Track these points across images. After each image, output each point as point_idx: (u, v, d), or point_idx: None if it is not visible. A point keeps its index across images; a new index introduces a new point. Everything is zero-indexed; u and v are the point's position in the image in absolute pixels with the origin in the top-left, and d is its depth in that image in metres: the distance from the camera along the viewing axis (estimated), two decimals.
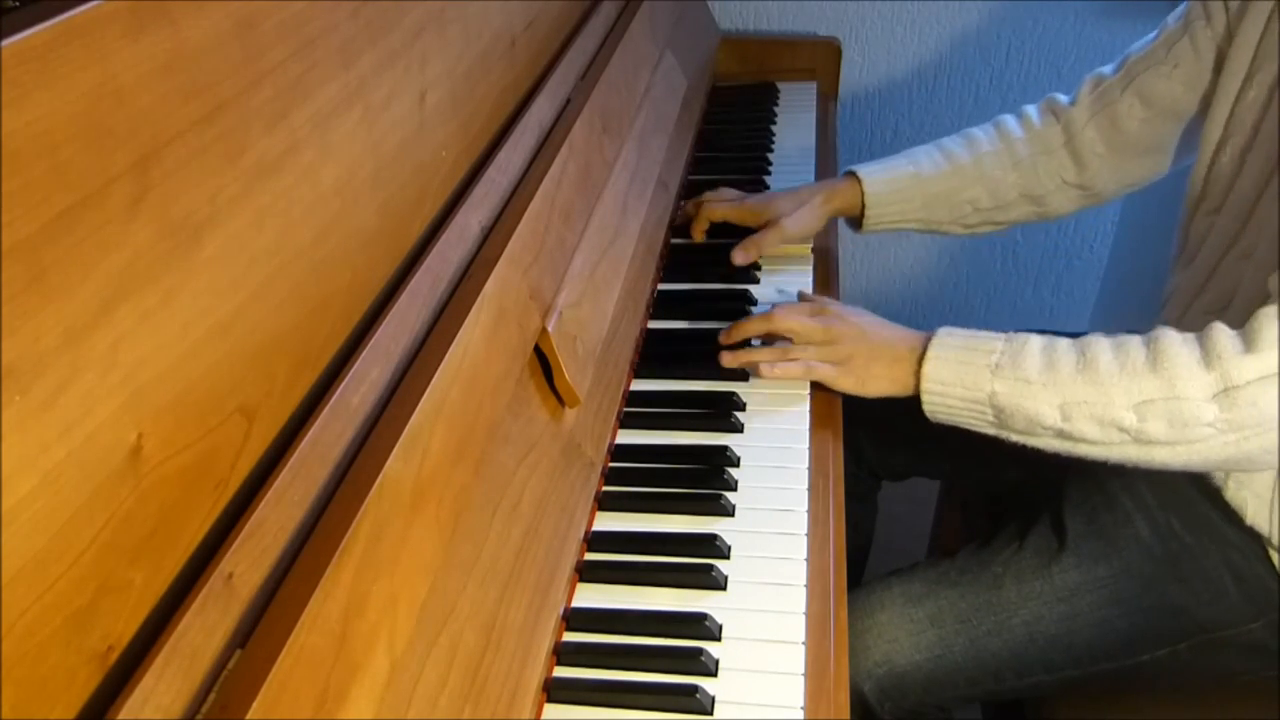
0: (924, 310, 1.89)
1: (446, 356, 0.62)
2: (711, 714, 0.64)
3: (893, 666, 0.88)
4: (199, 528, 0.49)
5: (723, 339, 0.94)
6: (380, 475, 0.54)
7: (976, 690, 0.90)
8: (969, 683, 0.89)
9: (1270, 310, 0.71)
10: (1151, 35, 0.99)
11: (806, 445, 0.86)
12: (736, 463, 0.84)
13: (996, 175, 1.06)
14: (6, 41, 0.37)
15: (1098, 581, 0.87)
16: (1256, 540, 0.85)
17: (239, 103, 0.51)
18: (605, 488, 0.82)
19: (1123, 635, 0.87)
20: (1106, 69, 1.03)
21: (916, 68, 1.65)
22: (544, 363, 0.76)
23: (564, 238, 0.84)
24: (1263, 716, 0.89)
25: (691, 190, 1.25)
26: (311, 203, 0.58)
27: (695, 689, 0.65)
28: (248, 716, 0.43)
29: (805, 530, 0.78)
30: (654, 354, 0.98)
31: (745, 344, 0.94)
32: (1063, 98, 1.06)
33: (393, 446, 0.56)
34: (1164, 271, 0.99)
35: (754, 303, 1.05)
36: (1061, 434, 0.77)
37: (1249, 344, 0.71)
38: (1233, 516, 0.85)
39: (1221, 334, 0.72)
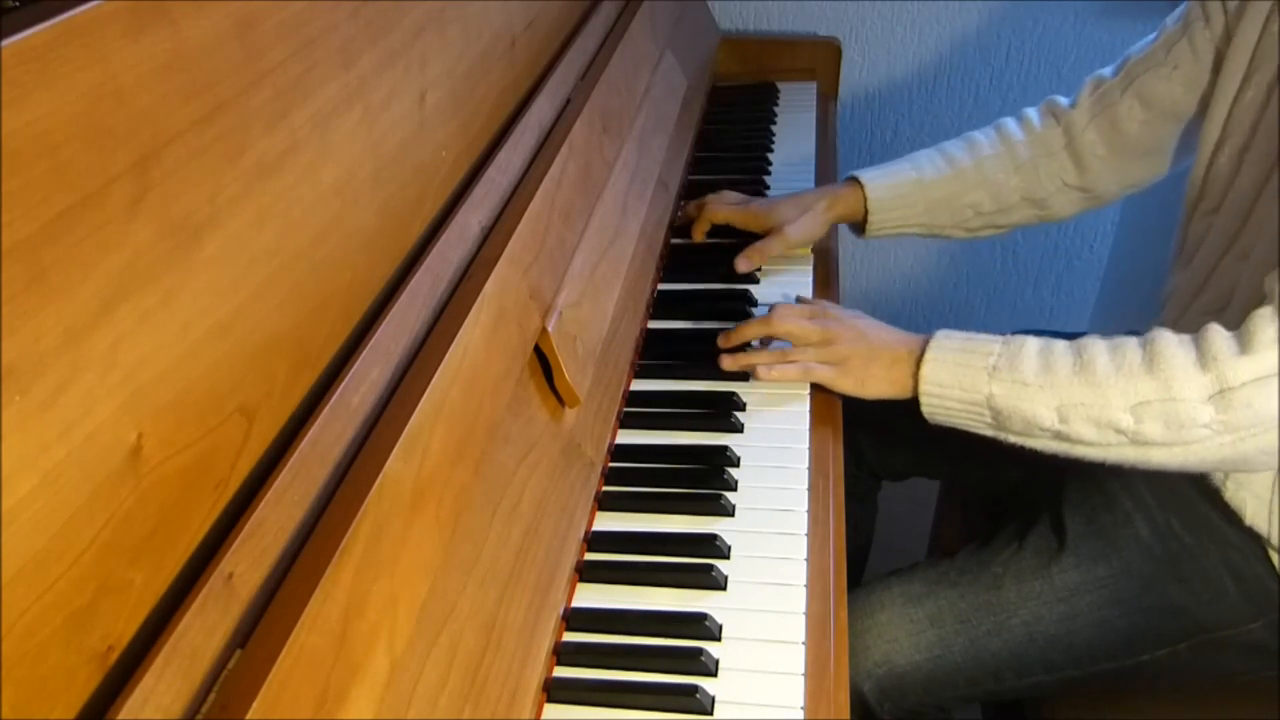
0: (924, 310, 1.89)
1: (446, 356, 0.62)
2: (711, 714, 0.64)
3: (892, 666, 0.89)
4: (199, 528, 0.49)
5: (721, 342, 0.94)
6: (380, 475, 0.54)
7: (976, 690, 0.90)
8: (969, 683, 0.89)
9: (1265, 311, 0.71)
10: (1151, 37, 0.99)
11: (806, 445, 0.86)
12: (736, 463, 0.84)
13: (998, 179, 1.06)
14: (6, 41, 0.37)
15: (1097, 581, 0.87)
16: (1256, 540, 0.85)
17: (239, 103, 0.51)
18: (605, 488, 0.82)
19: (1122, 635, 0.87)
20: (1106, 71, 1.03)
21: (916, 68, 1.65)
22: (544, 363, 0.76)
23: (564, 238, 0.84)
24: (1263, 716, 0.89)
25: (691, 190, 1.25)
26: (311, 203, 0.58)
27: (695, 689, 0.65)
28: (248, 716, 0.43)
29: (805, 530, 0.78)
30: (654, 354, 0.98)
31: (744, 346, 0.94)
32: (1063, 100, 1.06)
33: (393, 446, 0.56)
34: (1164, 272, 0.99)
35: (754, 303, 1.05)
36: (1059, 435, 0.77)
37: (1244, 345, 0.71)
38: (1232, 517, 0.85)
39: (1217, 335, 0.72)
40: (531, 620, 0.65)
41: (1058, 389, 0.76)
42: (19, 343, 0.38)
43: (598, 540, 0.77)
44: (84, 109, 0.41)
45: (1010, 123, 1.08)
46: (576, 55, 1.05)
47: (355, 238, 0.64)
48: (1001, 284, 1.84)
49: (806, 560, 0.75)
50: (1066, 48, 1.58)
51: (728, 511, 0.79)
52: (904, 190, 1.07)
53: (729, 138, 1.42)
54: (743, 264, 1.06)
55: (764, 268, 1.10)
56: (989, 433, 0.82)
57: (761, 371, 0.90)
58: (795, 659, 0.67)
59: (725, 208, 1.12)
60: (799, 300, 0.99)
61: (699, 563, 0.74)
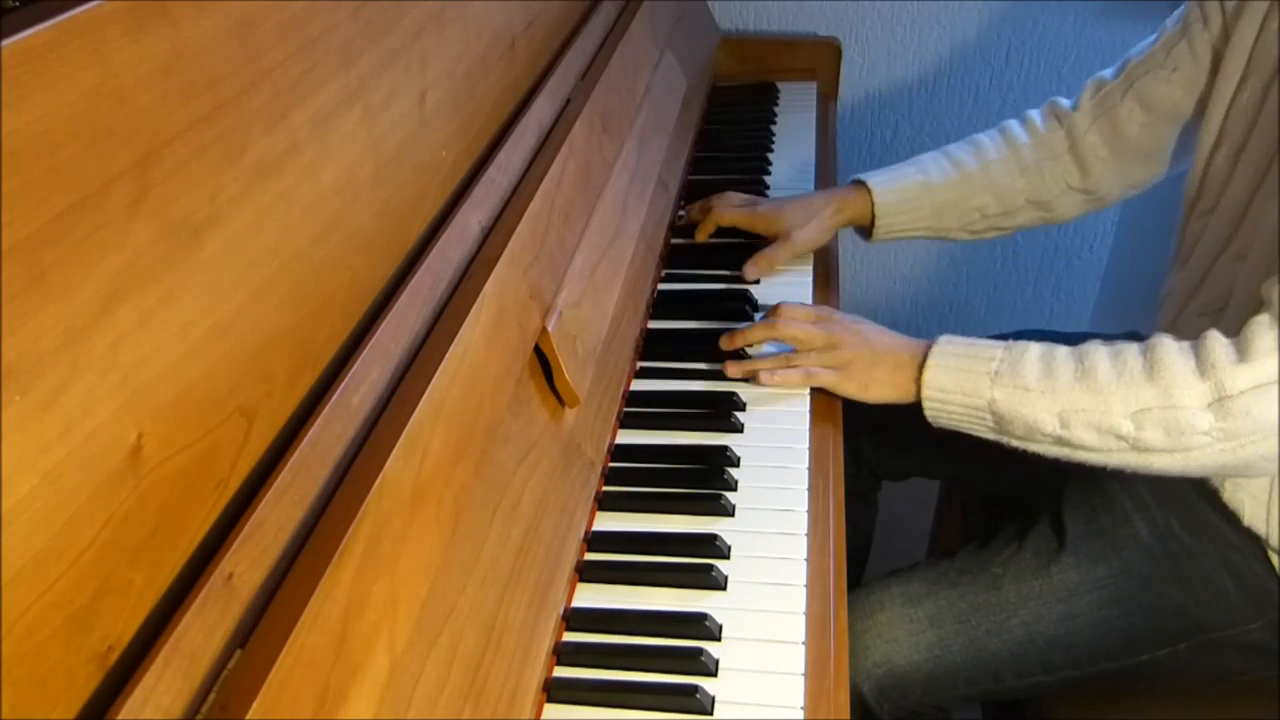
0: (924, 311, 1.89)
1: (446, 356, 0.62)
2: (711, 714, 0.64)
3: (892, 667, 0.89)
4: (199, 528, 0.49)
5: (724, 344, 0.94)
6: (380, 475, 0.54)
7: (976, 690, 0.90)
8: (968, 683, 0.89)
9: (1263, 319, 0.71)
10: (1150, 39, 0.99)
11: (806, 445, 0.86)
12: (736, 463, 0.84)
13: (1004, 182, 1.07)
14: (6, 41, 0.37)
15: (1097, 582, 0.87)
16: (1255, 541, 0.85)
17: (239, 103, 0.51)
18: (605, 488, 0.82)
19: (1122, 635, 0.87)
20: (1107, 73, 1.03)
21: (916, 68, 1.65)
22: (544, 363, 0.76)
23: (564, 238, 0.84)
24: (1263, 716, 0.89)
25: (691, 190, 1.25)
26: (311, 203, 0.58)
27: (695, 689, 0.65)
28: (248, 716, 0.43)
29: (805, 530, 0.78)
30: (654, 354, 0.98)
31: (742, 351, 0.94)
32: (1065, 102, 1.07)
33: (393, 446, 0.56)
34: (1163, 272, 0.99)
35: (754, 303, 1.05)
36: (1060, 441, 0.77)
37: (1243, 353, 0.71)
38: (1231, 517, 0.85)
39: (1216, 343, 0.73)
40: (531, 620, 0.65)
41: (1059, 395, 0.76)
42: (19, 343, 0.38)
43: (598, 540, 0.77)
44: (84, 109, 0.41)
45: (1014, 125, 1.09)
46: (576, 55, 1.05)
47: (355, 238, 0.64)
48: (1001, 284, 1.84)
49: (806, 560, 0.75)
50: (1066, 48, 1.58)
51: (728, 511, 0.79)
52: (911, 194, 1.07)
53: (729, 138, 1.42)
54: (751, 271, 1.07)
55: (745, 276, 1.10)
56: (991, 437, 0.82)
57: (765, 377, 0.90)
58: (795, 659, 0.67)
59: (732, 210, 1.12)
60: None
61: (699, 563, 0.74)
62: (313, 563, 0.50)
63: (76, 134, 0.41)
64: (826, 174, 1.33)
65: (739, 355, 0.94)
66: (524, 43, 0.95)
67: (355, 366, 0.59)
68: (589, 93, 0.98)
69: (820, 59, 1.58)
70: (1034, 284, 1.83)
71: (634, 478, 0.84)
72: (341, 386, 0.58)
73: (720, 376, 0.94)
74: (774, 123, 1.45)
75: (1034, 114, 1.09)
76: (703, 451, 0.85)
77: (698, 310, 1.04)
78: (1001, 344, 0.81)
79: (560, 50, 1.05)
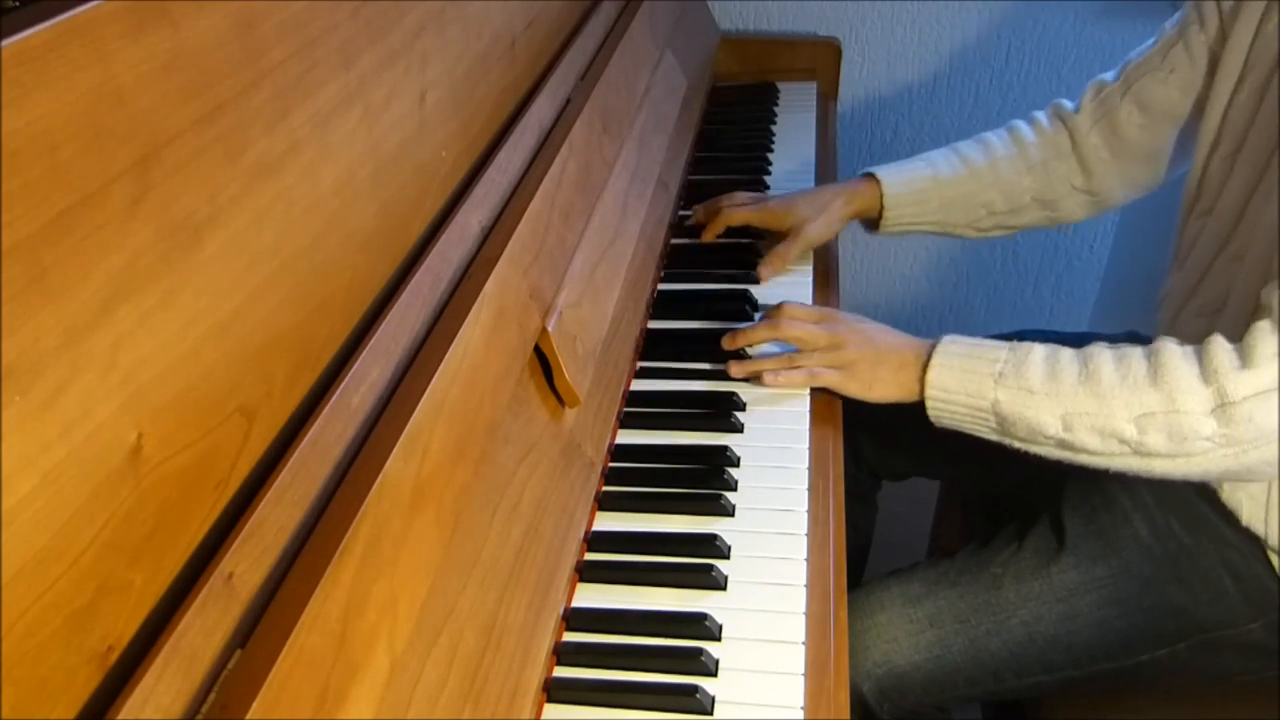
0: (924, 310, 1.89)
1: (446, 356, 0.62)
2: (711, 714, 0.64)
3: (892, 667, 0.89)
4: (199, 528, 0.49)
5: (726, 344, 0.93)
6: (380, 475, 0.54)
7: (976, 690, 0.90)
8: (968, 683, 0.89)
9: (1265, 325, 0.72)
10: (1150, 42, 0.99)
11: (806, 445, 0.86)
12: (736, 463, 0.84)
13: (1011, 179, 1.07)
14: (6, 41, 0.37)
15: (1097, 582, 0.87)
16: (1255, 541, 0.85)
17: (239, 103, 0.51)
18: (605, 488, 0.82)
19: (1122, 635, 0.87)
20: (1108, 75, 1.03)
21: (916, 68, 1.65)
22: (544, 363, 0.76)
23: (564, 238, 0.84)
24: (1263, 716, 0.89)
25: (691, 190, 1.25)
26: (312, 203, 0.58)
27: (695, 689, 0.65)
28: (248, 716, 0.43)
29: (805, 530, 0.78)
30: (654, 354, 0.98)
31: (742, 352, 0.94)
32: (1069, 104, 1.07)
33: (393, 446, 0.56)
34: (1163, 273, 1.00)
35: (754, 303, 1.05)
36: (1063, 444, 0.78)
37: (1245, 359, 0.71)
38: (1230, 517, 0.85)
39: (1219, 349, 0.73)
40: (531, 620, 0.65)
41: (1063, 398, 0.76)
42: (19, 343, 0.38)
43: (598, 540, 0.77)
44: (84, 109, 0.41)
45: (1021, 125, 1.09)
46: (576, 55, 1.05)
47: (355, 238, 0.64)
48: (1001, 284, 1.84)
49: (806, 560, 0.75)
50: (1066, 48, 1.58)
51: (728, 511, 0.79)
52: (920, 187, 1.08)
53: (729, 138, 1.42)
54: (766, 272, 1.07)
55: (759, 278, 1.10)
56: (993, 438, 0.82)
57: (768, 379, 0.90)
58: (795, 659, 0.67)
59: (741, 209, 1.12)
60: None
61: (699, 563, 0.74)
62: (313, 563, 0.50)
63: (76, 134, 0.41)
64: (826, 174, 1.33)
65: (741, 355, 0.94)
66: (524, 43, 0.95)
67: (355, 366, 0.59)
68: (589, 93, 0.98)
69: (820, 59, 1.58)
70: (1034, 284, 1.83)
71: (634, 478, 0.84)
72: (341, 386, 0.58)
73: (720, 377, 0.94)
74: (774, 123, 1.45)
75: (1040, 115, 1.09)
76: (703, 451, 0.85)
77: (698, 310, 1.04)
78: (1006, 345, 0.81)
79: (560, 50, 1.05)
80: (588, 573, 0.75)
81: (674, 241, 1.16)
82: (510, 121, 0.90)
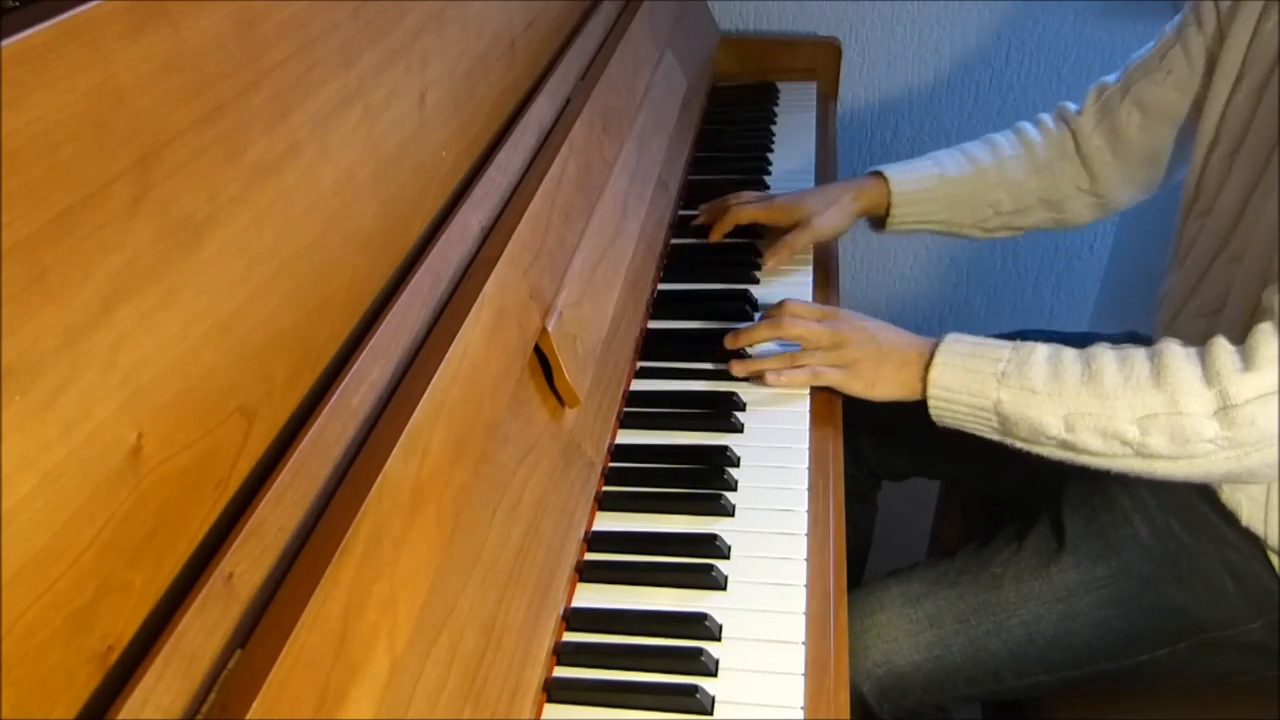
0: (924, 311, 1.89)
1: (446, 356, 0.62)
2: (711, 714, 0.64)
3: (892, 667, 0.89)
4: (199, 528, 0.49)
5: (729, 343, 0.93)
6: (380, 475, 0.54)
7: (976, 690, 0.90)
8: (968, 683, 0.89)
9: (1266, 327, 0.72)
10: (1151, 43, 0.99)
11: (806, 445, 0.86)
12: (736, 463, 0.84)
13: (1018, 179, 1.07)
14: (6, 41, 0.37)
15: (1096, 582, 0.87)
16: (1254, 541, 0.85)
17: (239, 103, 0.51)
18: (605, 488, 0.82)
19: (1122, 635, 0.87)
20: (1110, 77, 1.04)
21: (916, 68, 1.65)
22: (544, 363, 0.76)
23: (564, 238, 0.84)
24: (1263, 716, 0.89)
25: (691, 190, 1.25)
26: (312, 203, 0.58)
27: (695, 689, 0.65)
28: (248, 716, 0.43)
29: (805, 530, 0.78)
30: (654, 354, 0.98)
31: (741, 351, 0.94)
32: (1073, 106, 1.08)
33: (393, 446, 0.56)
34: (1162, 273, 1.00)
35: (754, 303, 1.05)
36: (1065, 444, 0.77)
37: (1247, 362, 0.71)
38: (1230, 517, 0.85)
39: (1222, 351, 0.73)
40: (531, 620, 0.65)
41: (1065, 398, 0.76)
42: (19, 343, 0.38)
43: (598, 540, 0.77)
44: (84, 109, 0.41)
45: (1028, 126, 1.10)
46: (576, 55, 1.05)
47: (355, 238, 0.64)
48: (1001, 284, 1.84)
49: (806, 560, 0.75)
50: (1066, 48, 1.58)
51: (728, 511, 0.79)
52: (928, 185, 1.08)
53: (729, 138, 1.42)
54: (772, 261, 1.06)
55: (764, 266, 1.10)
56: (995, 438, 0.82)
57: (771, 378, 0.90)
58: (795, 659, 0.67)
59: (749, 207, 1.12)
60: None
61: (699, 563, 0.74)
62: (313, 563, 0.50)
63: (76, 134, 0.41)
64: (826, 174, 1.33)
65: (743, 354, 0.94)
66: (524, 43, 0.95)
67: (355, 366, 0.59)
68: (589, 93, 0.98)
69: (820, 59, 1.58)
70: (1034, 284, 1.83)
71: (634, 478, 0.84)
72: (341, 386, 0.58)
73: (720, 376, 0.94)
74: (774, 123, 1.45)
75: (1045, 117, 1.10)
76: (703, 451, 0.85)
77: (698, 310, 1.04)
78: (1009, 344, 0.81)
79: (560, 50, 1.05)
80: (588, 573, 0.75)
81: (674, 241, 1.16)
82: (510, 121, 0.90)
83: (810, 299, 1.06)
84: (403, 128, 0.70)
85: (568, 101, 0.99)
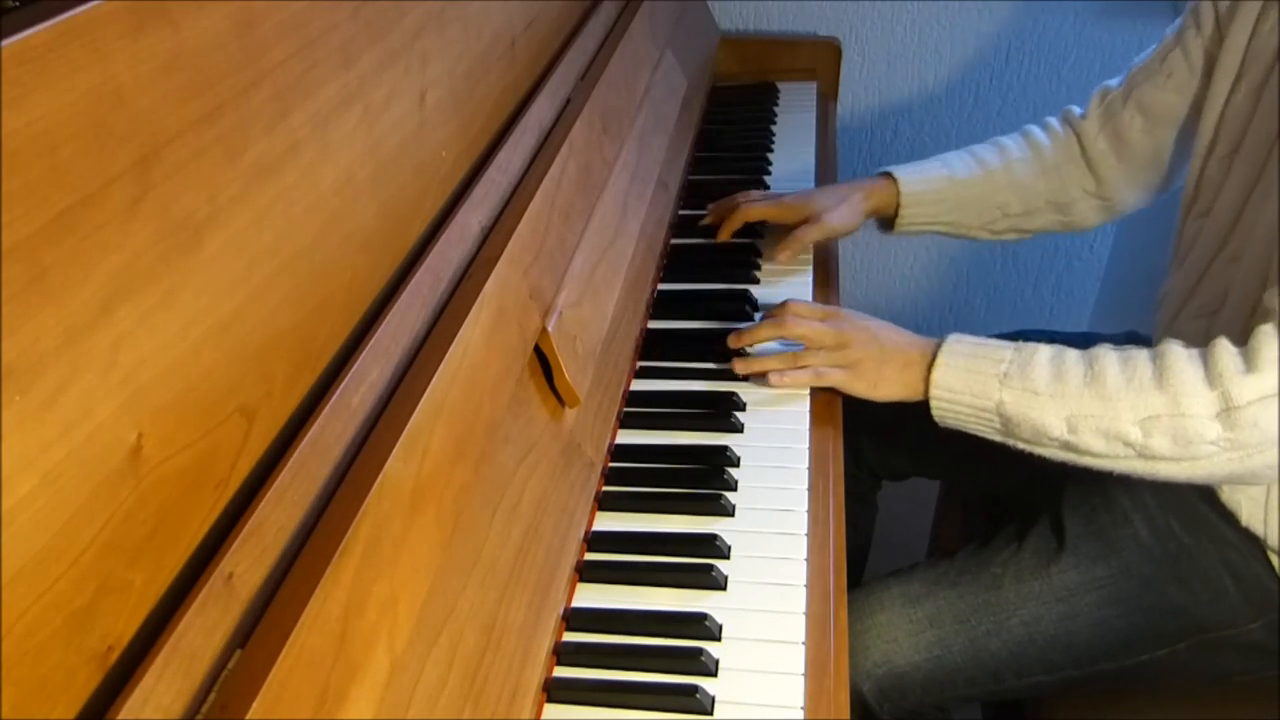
0: (924, 311, 1.89)
1: (446, 356, 0.62)
2: (711, 714, 0.64)
3: (892, 667, 0.89)
4: (199, 528, 0.49)
5: (732, 342, 0.93)
6: (380, 475, 0.54)
7: (976, 690, 0.90)
8: (968, 683, 0.89)
9: (1268, 329, 0.72)
10: (1153, 47, 1.00)
11: (806, 445, 0.86)
12: (736, 463, 0.84)
13: (1026, 181, 1.07)
14: (6, 41, 0.37)
15: (1096, 582, 0.87)
16: (1254, 541, 0.85)
17: (239, 103, 0.51)
18: (605, 488, 0.82)
19: (1122, 635, 0.87)
20: (1114, 81, 1.04)
21: (916, 68, 1.65)
22: (544, 363, 0.76)
23: (564, 238, 0.84)
24: (1263, 716, 0.89)
25: (691, 190, 1.25)
26: (312, 203, 0.58)
27: (695, 689, 0.65)
28: (248, 716, 0.43)
29: (805, 530, 0.78)
30: (654, 354, 0.98)
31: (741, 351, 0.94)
32: (1078, 110, 1.08)
33: (393, 446, 0.56)
34: (1162, 273, 1.00)
35: (754, 303, 1.05)
36: (1067, 445, 0.77)
37: (1249, 364, 0.71)
38: (1230, 517, 0.85)
39: (1224, 352, 0.73)
40: (531, 620, 0.65)
41: (1068, 399, 0.76)
42: (19, 343, 0.38)
43: (598, 540, 0.77)
44: (84, 109, 0.41)
45: (1035, 130, 1.10)
46: (576, 55, 1.05)
47: (355, 238, 0.64)
48: (1001, 284, 1.84)
49: (806, 560, 0.75)
50: (1066, 48, 1.58)
51: (728, 511, 0.79)
52: (936, 186, 1.08)
53: (729, 138, 1.42)
54: (783, 255, 1.06)
55: (764, 267, 1.10)
56: (997, 438, 0.82)
57: (774, 379, 0.90)
58: (795, 659, 0.67)
59: (759, 206, 1.12)
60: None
61: (699, 563, 0.74)
62: (313, 563, 0.50)
63: (76, 134, 0.41)
64: (826, 174, 1.33)
65: (745, 353, 0.94)
66: (524, 43, 0.95)
67: (355, 366, 0.59)
68: (589, 93, 0.98)
69: (820, 59, 1.58)
70: (1034, 284, 1.83)
71: (634, 478, 0.84)
72: (341, 386, 0.58)
73: (721, 376, 0.94)
74: (774, 123, 1.45)
75: (1052, 120, 1.10)
76: (703, 451, 0.85)
77: (698, 310, 1.04)
78: (1011, 345, 0.81)
79: (560, 50, 1.05)
80: (588, 573, 0.75)
81: (674, 241, 1.16)
82: (510, 121, 0.90)
83: (811, 299, 1.06)
84: (403, 128, 0.70)
85: (568, 101, 0.99)
